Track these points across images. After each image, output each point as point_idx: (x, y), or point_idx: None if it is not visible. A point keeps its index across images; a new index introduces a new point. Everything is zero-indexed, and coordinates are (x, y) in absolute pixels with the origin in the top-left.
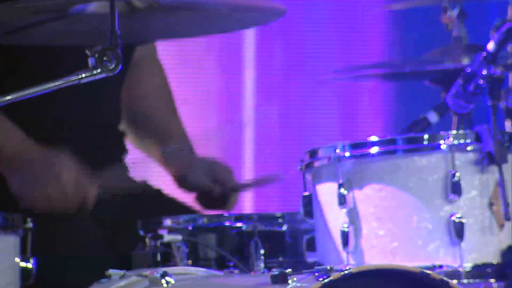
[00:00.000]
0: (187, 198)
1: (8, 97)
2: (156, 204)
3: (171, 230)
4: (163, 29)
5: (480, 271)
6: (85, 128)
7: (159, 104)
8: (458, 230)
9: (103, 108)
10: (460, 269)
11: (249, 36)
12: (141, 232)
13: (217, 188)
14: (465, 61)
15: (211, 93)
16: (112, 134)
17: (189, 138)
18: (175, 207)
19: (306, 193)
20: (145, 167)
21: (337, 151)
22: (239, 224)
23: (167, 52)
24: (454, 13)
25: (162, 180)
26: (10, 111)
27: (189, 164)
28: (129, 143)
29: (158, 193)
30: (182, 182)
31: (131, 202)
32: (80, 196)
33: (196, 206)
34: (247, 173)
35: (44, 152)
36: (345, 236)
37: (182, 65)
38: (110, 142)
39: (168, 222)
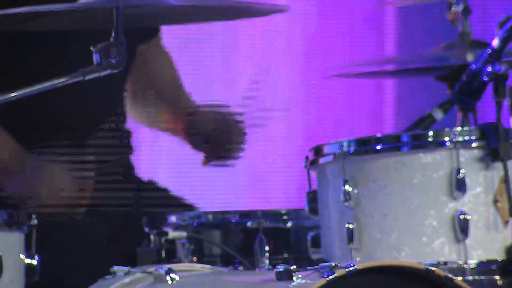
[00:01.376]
0: (192, 197)
1: (13, 94)
2: (163, 203)
3: (176, 227)
4: (167, 15)
5: (485, 267)
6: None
7: (166, 82)
8: (462, 227)
9: (106, 107)
10: (465, 266)
11: (252, 32)
12: (146, 229)
13: (223, 134)
14: (470, 57)
15: (212, 90)
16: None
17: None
18: (181, 206)
19: (311, 190)
20: (152, 166)
21: (342, 148)
22: (244, 221)
23: (171, 38)
24: (459, 9)
25: (169, 179)
26: None
27: (196, 113)
28: (135, 120)
29: (164, 192)
30: (191, 133)
31: (137, 201)
32: (74, 198)
33: (205, 158)
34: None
35: (35, 157)
36: (350, 233)
37: (183, 57)
38: (115, 142)
39: (173, 219)
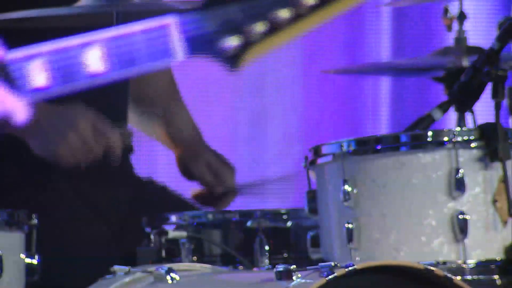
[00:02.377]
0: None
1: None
2: (161, 200)
3: (176, 227)
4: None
5: (484, 267)
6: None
7: (164, 91)
8: (461, 227)
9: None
10: (464, 266)
11: None
12: (146, 229)
13: (217, 186)
14: (466, 61)
15: (213, 87)
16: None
17: (195, 124)
18: (180, 204)
19: (311, 190)
20: (151, 164)
21: (342, 148)
22: (243, 221)
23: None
24: (454, 14)
25: (167, 177)
26: None
27: (195, 152)
28: (135, 127)
29: (163, 189)
30: (184, 169)
31: (136, 198)
32: (102, 144)
33: (193, 200)
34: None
35: (58, 109)
36: (349, 232)
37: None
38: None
39: (173, 218)
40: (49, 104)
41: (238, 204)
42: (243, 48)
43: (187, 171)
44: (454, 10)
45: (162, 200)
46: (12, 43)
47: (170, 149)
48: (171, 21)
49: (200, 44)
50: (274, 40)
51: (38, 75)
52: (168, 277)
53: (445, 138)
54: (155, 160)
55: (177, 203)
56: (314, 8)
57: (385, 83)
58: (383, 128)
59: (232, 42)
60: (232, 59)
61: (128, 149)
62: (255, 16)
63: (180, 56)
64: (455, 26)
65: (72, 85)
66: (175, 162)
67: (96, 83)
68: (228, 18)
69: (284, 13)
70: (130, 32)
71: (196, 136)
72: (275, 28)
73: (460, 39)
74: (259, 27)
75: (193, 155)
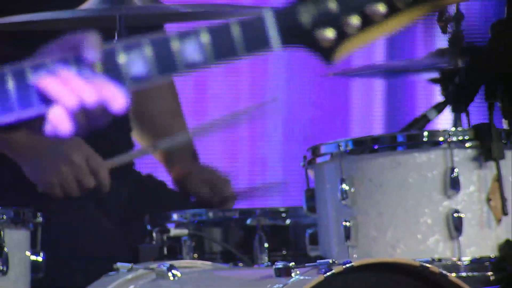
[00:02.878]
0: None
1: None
2: (161, 196)
3: (177, 225)
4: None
5: (478, 264)
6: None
7: (164, 108)
8: (456, 225)
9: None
10: (459, 263)
11: None
12: (148, 226)
13: (214, 197)
14: (461, 62)
15: (209, 91)
16: (120, 129)
17: (193, 143)
18: (179, 200)
19: (309, 189)
20: (151, 161)
21: (339, 147)
22: (243, 219)
23: None
24: (450, 15)
25: (167, 175)
26: None
27: (189, 171)
28: (135, 139)
29: (162, 185)
30: (181, 187)
31: (137, 194)
32: (94, 176)
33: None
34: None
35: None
36: (347, 230)
37: None
38: (118, 136)
39: (174, 216)
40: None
41: (238, 202)
42: (338, 41)
43: (183, 188)
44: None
45: (163, 198)
46: (19, 44)
47: (166, 168)
48: (267, 13)
49: (296, 36)
50: (369, 35)
51: (137, 65)
52: (169, 274)
53: (441, 138)
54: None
55: (176, 200)
56: (408, 5)
57: (384, 84)
58: (380, 128)
59: (327, 34)
60: (327, 52)
61: (129, 146)
62: (350, 9)
63: (276, 47)
64: (451, 27)
65: (169, 74)
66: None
67: (193, 72)
68: (324, 10)
69: (379, 8)
70: (227, 22)
71: (192, 155)
72: (370, 22)
73: (456, 39)
74: (355, 20)
75: (188, 173)
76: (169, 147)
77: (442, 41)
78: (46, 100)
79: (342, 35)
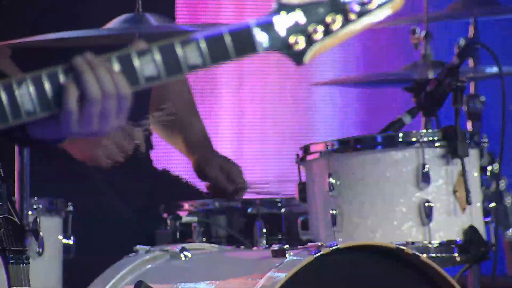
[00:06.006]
0: (201, 185)
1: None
2: (175, 188)
3: (188, 213)
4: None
5: (446, 247)
6: None
7: (182, 107)
8: (427, 213)
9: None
10: (429, 245)
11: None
12: (163, 214)
13: (229, 185)
14: (431, 74)
15: (208, 97)
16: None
17: (209, 138)
18: (192, 192)
19: (301, 182)
20: (166, 157)
21: (327, 147)
22: (245, 208)
23: None
24: (421, 34)
25: (181, 168)
26: None
27: (207, 158)
28: (157, 135)
29: (177, 179)
30: (200, 173)
31: (154, 187)
32: (131, 143)
33: (207, 193)
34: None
35: None
36: (333, 217)
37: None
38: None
39: (186, 205)
40: None
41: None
42: (306, 46)
43: (203, 174)
44: (421, 31)
45: (176, 189)
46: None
47: (186, 157)
48: (252, 24)
49: (274, 43)
50: (331, 41)
51: (148, 67)
52: (182, 255)
53: (414, 139)
54: (170, 154)
55: (189, 192)
56: (360, 16)
57: (365, 92)
58: (361, 130)
59: (297, 41)
60: (298, 55)
61: (148, 146)
62: (316, 20)
63: (260, 51)
64: (422, 44)
65: (175, 75)
66: (191, 167)
67: (194, 72)
68: (295, 21)
69: (337, 18)
70: (221, 32)
71: (208, 144)
72: (330, 30)
73: (427, 55)
74: (319, 29)
75: (207, 160)
76: (190, 137)
77: (415, 56)
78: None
79: (310, 42)
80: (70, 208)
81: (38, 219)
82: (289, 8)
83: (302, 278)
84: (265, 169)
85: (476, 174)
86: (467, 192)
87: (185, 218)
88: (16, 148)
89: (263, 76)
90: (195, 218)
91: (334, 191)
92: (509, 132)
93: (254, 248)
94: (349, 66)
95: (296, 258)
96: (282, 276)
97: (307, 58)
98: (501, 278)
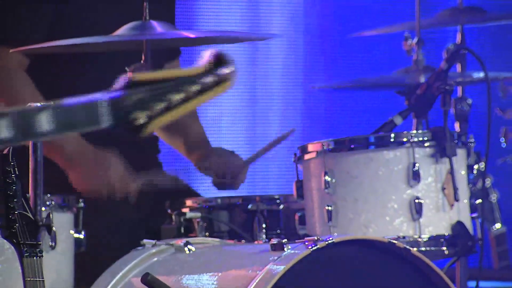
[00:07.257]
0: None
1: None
2: (183, 193)
3: (192, 209)
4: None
5: (435, 241)
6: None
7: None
8: (417, 209)
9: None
10: (419, 240)
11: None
12: (169, 210)
13: (229, 169)
14: (422, 79)
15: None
16: (148, 139)
17: (207, 137)
18: (189, 191)
19: (298, 180)
20: (175, 164)
21: (323, 146)
22: (245, 204)
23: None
24: (413, 41)
25: (189, 175)
26: None
27: (206, 154)
28: (161, 139)
29: (185, 185)
30: (202, 168)
31: (164, 192)
32: (124, 190)
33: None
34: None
35: (96, 152)
36: (329, 213)
37: None
38: (147, 146)
39: (189, 202)
40: (87, 144)
41: (242, 190)
42: (147, 120)
43: (204, 169)
44: (413, 38)
45: (184, 194)
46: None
47: (187, 157)
48: (101, 101)
49: (121, 116)
50: (171, 115)
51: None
52: (186, 249)
53: (404, 139)
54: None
55: (191, 194)
56: (198, 94)
57: (360, 95)
58: (355, 131)
59: (139, 115)
60: (138, 129)
61: (156, 151)
62: (157, 97)
63: (106, 126)
64: (414, 50)
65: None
66: (193, 165)
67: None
68: (139, 97)
69: (177, 96)
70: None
71: (206, 143)
72: (171, 106)
73: (418, 60)
74: (160, 105)
75: (205, 156)
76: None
77: (407, 62)
78: None
79: (151, 116)
80: (81, 204)
81: (51, 215)
82: (137, 85)
83: (300, 270)
84: (265, 168)
85: (463, 172)
86: (455, 189)
87: (189, 214)
88: (30, 148)
89: (265, 80)
90: (198, 214)
91: (329, 188)
92: (494, 133)
93: (254, 242)
94: (346, 70)
95: (294, 252)
96: (281, 268)
97: (146, 131)
98: (487, 270)
